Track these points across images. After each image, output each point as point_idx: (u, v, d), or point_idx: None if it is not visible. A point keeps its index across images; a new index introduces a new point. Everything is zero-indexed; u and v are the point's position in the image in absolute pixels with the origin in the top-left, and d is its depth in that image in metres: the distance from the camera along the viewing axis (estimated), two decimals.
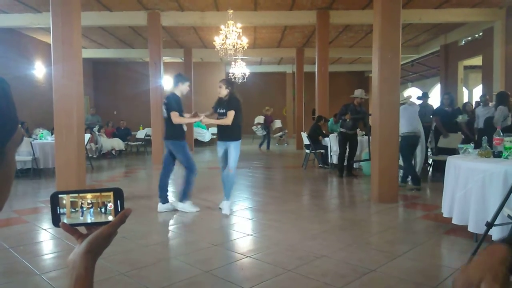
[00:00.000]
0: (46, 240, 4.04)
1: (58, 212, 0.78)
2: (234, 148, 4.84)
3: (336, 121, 9.84)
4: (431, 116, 7.68)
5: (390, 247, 3.57)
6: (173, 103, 4.86)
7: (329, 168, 8.75)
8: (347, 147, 7.62)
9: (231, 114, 4.76)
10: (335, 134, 8.48)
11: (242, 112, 4.93)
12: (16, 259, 3.37)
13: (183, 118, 4.92)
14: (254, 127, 15.63)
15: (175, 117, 4.82)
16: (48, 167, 8.18)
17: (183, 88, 5.02)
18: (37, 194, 6.42)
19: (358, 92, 7.59)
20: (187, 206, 5.00)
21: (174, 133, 4.94)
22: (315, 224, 4.39)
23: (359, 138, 8.00)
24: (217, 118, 4.93)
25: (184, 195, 5.02)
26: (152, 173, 9.26)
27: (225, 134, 4.89)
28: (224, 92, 4.88)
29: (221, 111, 4.88)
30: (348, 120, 7.42)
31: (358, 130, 8.05)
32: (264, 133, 14.31)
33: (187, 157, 4.99)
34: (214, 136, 15.88)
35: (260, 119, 15.23)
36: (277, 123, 16.54)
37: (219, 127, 4.94)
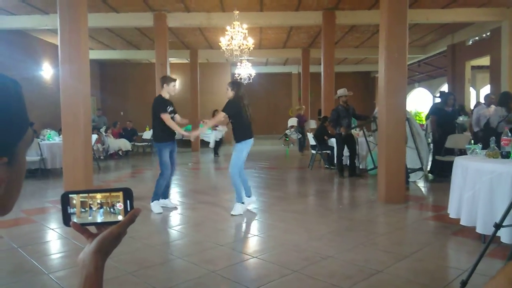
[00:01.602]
0: (54, 239, 4.07)
1: (69, 211, 0.79)
2: (234, 149, 4.94)
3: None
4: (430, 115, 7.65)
5: (397, 248, 3.55)
6: (155, 106, 5.04)
7: (335, 168, 8.72)
8: (345, 147, 7.76)
9: (217, 115, 5.03)
10: None
11: (246, 113, 4.83)
12: (24, 258, 3.40)
13: (175, 125, 5.05)
14: (288, 131, 14.31)
15: (166, 119, 4.98)
16: (55, 168, 8.25)
17: (169, 89, 5.19)
18: (45, 194, 6.47)
19: (341, 91, 7.79)
20: (153, 206, 5.11)
21: (155, 135, 5.19)
22: (321, 225, 4.38)
23: (363, 139, 8.05)
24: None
25: (154, 195, 5.17)
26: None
27: (233, 136, 5.04)
28: (230, 94, 4.91)
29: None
30: (343, 133, 7.59)
31: (364, 130, 8.05)
32: (300, 135, 13.37)
33: (161, 160, 5.16)
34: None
35: (293, 121, 13.82)
36: (312, 123, 14.57)
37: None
